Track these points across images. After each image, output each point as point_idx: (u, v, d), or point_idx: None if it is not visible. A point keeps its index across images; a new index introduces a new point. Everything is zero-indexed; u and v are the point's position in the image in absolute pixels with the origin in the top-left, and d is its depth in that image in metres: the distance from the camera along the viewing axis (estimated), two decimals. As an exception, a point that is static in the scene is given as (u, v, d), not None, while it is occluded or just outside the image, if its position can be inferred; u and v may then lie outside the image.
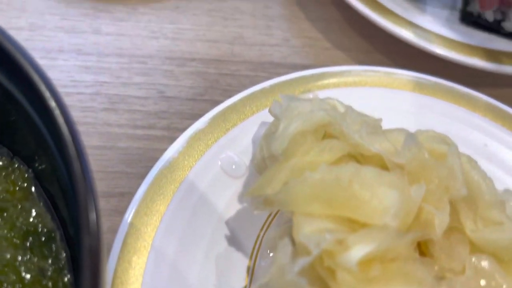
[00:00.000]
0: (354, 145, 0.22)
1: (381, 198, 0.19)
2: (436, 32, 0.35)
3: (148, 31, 0.37)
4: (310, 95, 0.29)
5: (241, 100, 0.29)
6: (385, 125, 0.28)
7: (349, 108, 0.25)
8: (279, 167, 0.21)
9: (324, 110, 0.22)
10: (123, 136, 0.31)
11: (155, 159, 0.27)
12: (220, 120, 0.28)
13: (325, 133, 0.23)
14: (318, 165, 0.21)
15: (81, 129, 0.31)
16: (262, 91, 0.29)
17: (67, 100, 0.32)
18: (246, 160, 0.27)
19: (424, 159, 0.21)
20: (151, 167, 0.27)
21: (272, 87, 0.29)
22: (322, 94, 0.30)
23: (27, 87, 0.19)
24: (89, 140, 0.31)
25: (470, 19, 0.37)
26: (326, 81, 0.30)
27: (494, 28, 0.36)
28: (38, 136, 0.20)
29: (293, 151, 0.21)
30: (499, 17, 0.36)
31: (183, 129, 0.31)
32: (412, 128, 0.29)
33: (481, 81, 0.36)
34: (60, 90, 0.33)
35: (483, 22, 0.37)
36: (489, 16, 0.36)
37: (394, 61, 0.37)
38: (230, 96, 0.34)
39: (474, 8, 0.37)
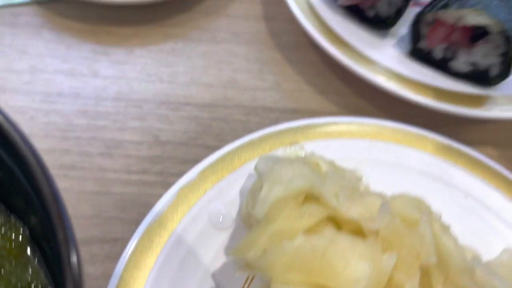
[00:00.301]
0: (332, 209, 0.23)
1: (354, 269, 0.20)
2: (389, 67, 0.37)
3: (145, 74, 0.38)
4: (297, 147, 0.31)
5: (230, 152, 0.30)
6: (368, 178, 0.29)
7: (331, 167, 0.27)
8: (260, 231, 0.23)
9: (305, 176, 0.24)
10: (117, 181, 0.33)
11: (148, 205, 0.28)
12: (209, 172, 0.29)
13: (306, 194, 0.24)
14: (298, 231, 0.22)
15: (77, 174, 0.33)
16: (251, 143, 0.31)
17: (65, 145, 0.34)
18: (233, 211, 0.29)
19: (396, 227, 0.22)
20: (144, 213, 0.28)
21: (260, 139, 0.31)
22: (308, 145, 0.31)
23: (7, 144, 0.20)
24: (85, 185, 0.32)
25: (419, 54, 0.38)
26: (312, 133, 0.31)
27: (442, 66, 0.38)
28: (25, 193, 0.21)
29: (274, 216, 0.23)
30: (448, 55, 0.37)
31: (176, 174, 0.33)
32: (393, 181, 0.30)
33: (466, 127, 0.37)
34: (58, 134, 0.35)
35: (432, 59, 0.38)
36: (438, 53, 0.38)
37: (376, 106, 0.39)
38: (222, 141, 0.35)
39: (424, 44, 0.38)
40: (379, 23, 0.39)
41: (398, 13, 0.38)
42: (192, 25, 0.42)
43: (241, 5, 0.44)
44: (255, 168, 0.27)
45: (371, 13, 0.39)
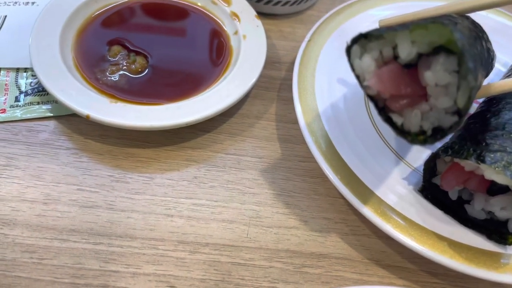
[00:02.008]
0: None
1: None
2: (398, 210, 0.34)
3: (163, 207, 0.36)
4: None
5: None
6: None
7: None
8: None
9: None
10: None
11: None
12: None
13: None
14: None
15: (83, 332, 0.30)
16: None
17: (73, 293, 0.31)
18: None
19: None
20: None
21: (286, 315, 0.28)
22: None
23: None
24: None
25: (431, 191, 0.35)
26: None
27: (454, 208, 0.35)
28: None
29: None
30: (464, 197, 0.34)
31: (189, 336, 0.30)
32: None
33: None
34: (67, 280, 0.32)
35: (445, 198, 0.35)
36: (453, 194, 0.35)
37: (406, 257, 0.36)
38: (241, 293, 0.32)
39: (438, 182, 0.35)
40: (403, 134, 0.31)
41: (436, 134, 0.29)
42: (216, 148, 0.40)
43: (269, 125, 0.42)
44: None
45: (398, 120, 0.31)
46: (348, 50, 0.30)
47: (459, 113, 0.27)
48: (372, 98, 0.30)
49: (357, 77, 0.30)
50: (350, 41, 0.29)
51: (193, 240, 0.35)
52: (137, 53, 0.42)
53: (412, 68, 0.29)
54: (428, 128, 0.29)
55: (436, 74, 0.27)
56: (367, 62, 0.29)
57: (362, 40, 0.29)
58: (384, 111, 0.30)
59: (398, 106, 0.29)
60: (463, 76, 0.26)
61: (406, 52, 0.28)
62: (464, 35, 0.27)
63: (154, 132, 0.40)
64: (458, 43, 0.25)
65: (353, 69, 0.30)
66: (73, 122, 0.40)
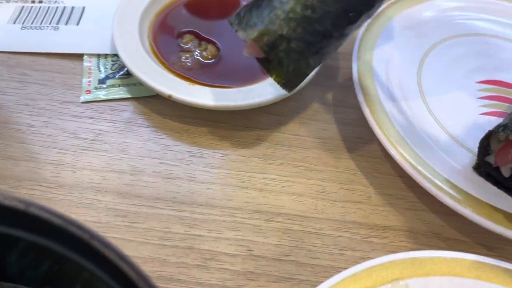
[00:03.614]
0: None
1: None
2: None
3: (238, 180, 0.39)
4: (400, 283, 0.30)
5: (333, 286, 0.30)
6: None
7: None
8: None
9: None
10: (214, 298, 0.33)
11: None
12: (314, 307, 0.29)
13: None
14: None
15: (174, 287, 0.33)
16: (355, 275, 0.30)
17: (162, 254, 0.35)
18: None
19: None
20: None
21: (364, 272, 0.31)
22: (412, 282, 0.31)
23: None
24: (183, 301, 0.33)
25: (485, 169, 0.38)
26: (416, 270, 0.31)
27: (507, 185, 0.37)
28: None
29: None
30: None
31: (269, 293, 0.33)
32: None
33: None
34: (157, 242, 0.35)
35: (498, 176, 0.37)
36: (506, 171, 0.37)
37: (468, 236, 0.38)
38: (314, 258, 0.35)
39: (492, 160, 0.37)
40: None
41: None
42: (282, 129, 0.43)
43: (329, 109, 0.45)
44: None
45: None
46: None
47: None
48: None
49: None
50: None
51: (267, 210, 0.38)
52: (208, 41, 0.46)
53: None
54: None
55: None
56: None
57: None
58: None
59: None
60: None
61: None
62: None
63: (226, 113, 0.43)
64: None
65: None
66: (151, 103, 0.43)
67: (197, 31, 0.47)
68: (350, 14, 0.33)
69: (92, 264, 0.22)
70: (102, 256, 0.21)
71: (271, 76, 0.36)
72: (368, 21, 0.48)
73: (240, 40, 0.40)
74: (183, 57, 0.44)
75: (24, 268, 0.25)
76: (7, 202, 0.20)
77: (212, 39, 0.46)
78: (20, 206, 0.20)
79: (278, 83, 0.36)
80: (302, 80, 0.36)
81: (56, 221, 0.21)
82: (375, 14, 0.49)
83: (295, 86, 0.37)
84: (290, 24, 0.32)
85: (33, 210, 0.20)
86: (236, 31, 0.33)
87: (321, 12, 0.32)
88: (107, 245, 0.21)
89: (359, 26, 0.35)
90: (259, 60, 0.36)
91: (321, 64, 0.38)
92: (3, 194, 0.20)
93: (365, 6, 0.34)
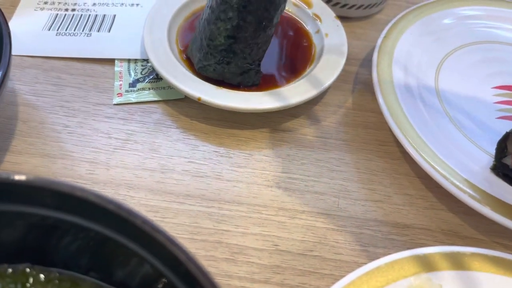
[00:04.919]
0: None
1: None
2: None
3: (263, 179, 0.41)
4: (423, 276, 0.32)
5: (358, 278, 0.31)
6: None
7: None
8: None
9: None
10: (242, 289, 0.35)
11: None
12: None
13: None
14: None
15: (205, 278, 0.35)
16: (378, 269, 0.32)
17: (192, 247, 0.36)
18: None
19: None
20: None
21: (387, 265, 0.32)
22: (434, 276, 0.32)
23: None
24: (213, 292, 0.34)
25: (502, 170, 0.39)
26: (438, 264, 0.32)
27: None
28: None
29: None
30: None
31: (295, 286, 0.34)
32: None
33: None
34: (187, 236, 0.37)
35: None
36: None
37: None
38: (337, 254, 0.37)
39: (509, 161, 0.39)
40: None
41: None
42: (304, 131, 0.45)
43: (349, 113, 0.47)
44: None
45: None
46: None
47: None
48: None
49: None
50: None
51: (291, 207, 0.39)
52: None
53: None
54: None
55: None
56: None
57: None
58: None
59: None
60: None
61: None
62: None
63: (251, 116, 0.45)
64: None
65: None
66: (179, 105, 0.45)
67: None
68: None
69: (141, 248, 0.24)
70: (154, 240, 0.23)
71: None
72: (394, 20, 0.50)
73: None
74: (210, 62, 0.46)
75: (70, 254, 0.26)
76: (66, 189, 0.22)
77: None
78: (65, 189, 0.22)
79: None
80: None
81: (110, 206, 0.23)
82: (393, 21, 0.50)
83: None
84: None
85: (86, 195, 0.22)
86: None
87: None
88: (158, 230, 0.23)
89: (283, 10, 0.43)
90: None
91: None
92: (62, 183, 0.22)
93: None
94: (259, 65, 0.44)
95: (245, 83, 0.45)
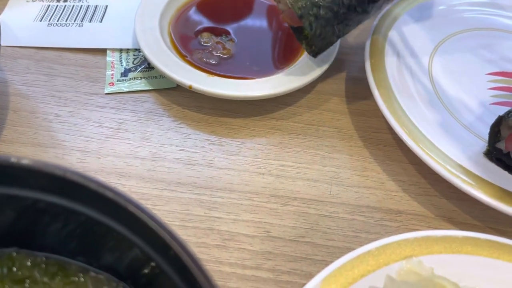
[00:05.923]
0: None
1: None
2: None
3: (255, 166, 0.41)
4: (414, 262, 0.32)
5: (349, 262, 0.31)
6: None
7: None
8: None
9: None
10: (233, 276, 0.34)
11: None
12: (329, 282, 0.30)
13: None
14: None
15: (196, 265, 0.35)
16: (370, 252, 0.32)
17: (184, 234, 0.36)
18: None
19: None
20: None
21: (378, 250, 0.32)
22: (425, 259, 0.32)
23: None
24: (203, 278, 0.34)
25: (495, 155, 0.39)
26: (429, 248, 0.32)
27: None
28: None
29: None
30: None
31: (287, 272, 0.34)
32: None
33: None
34: (178, 223, 0.37)
35: (508, 161, 0.38)
36: None
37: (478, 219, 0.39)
38: (329, 240, 0.37)
39: (502, 146, 0.38)
40: None
41: None
42: (297, 119, 0.45)
43: (342, 100, 0.47)
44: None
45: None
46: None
47: None
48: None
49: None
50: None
51: (283, 194, 0.39)
52: (225, 35, 0.48)
53: None
54: None
55: None
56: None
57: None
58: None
59: None
60: None
61: None
62: None
63: (243, 104, 0.45)
64: None
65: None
66: (171, 95, 0.45)
67: (215, 25, 0.49)
68: None
69: (131, 233, 0.24)
70: (137, 219, 0.22)
71: (301, 43, 0.42)
72: (388, 7, 0.50)
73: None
74: (201, 51, 0.46)
75: (59, 239, 0.26)
76: (46, 169, 0.22)
77: (227, 33, 0.48)
78: (58, 172, 0.22)
79: (307, 50, 0.43)
80: (327, 47, 0.43)
81: (103, 191, 0.22)
82: (387, 8, 0.50)
83: (320, 52, 0.43)
84: None
85: (69, 176, 0.22)
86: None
87: None
88: (142, 209, 0.23)
89: (380, 6, 0.42)
90: (292, 28, 0.42)
91: (343, 36, 0.44)
92: (43, 162, 0.22)
93: None
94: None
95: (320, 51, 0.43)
